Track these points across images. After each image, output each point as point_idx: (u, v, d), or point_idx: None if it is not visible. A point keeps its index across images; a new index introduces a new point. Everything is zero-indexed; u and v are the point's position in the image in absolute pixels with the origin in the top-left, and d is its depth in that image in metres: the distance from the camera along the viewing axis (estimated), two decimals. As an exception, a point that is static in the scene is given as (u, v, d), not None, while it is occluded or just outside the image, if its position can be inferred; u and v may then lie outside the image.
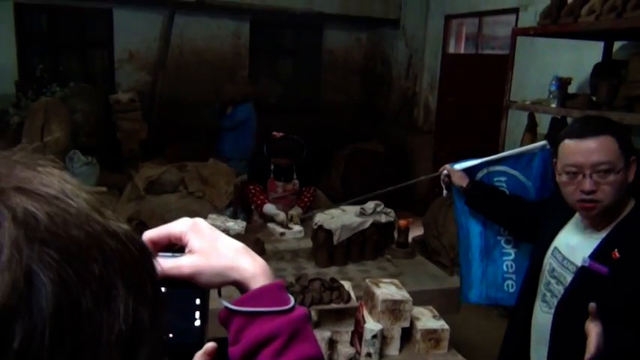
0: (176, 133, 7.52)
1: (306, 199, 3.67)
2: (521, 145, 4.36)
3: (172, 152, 7.07)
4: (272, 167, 3.63)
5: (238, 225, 3.38)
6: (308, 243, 3.15)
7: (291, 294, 2.10)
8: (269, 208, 3.59)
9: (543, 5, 4.68)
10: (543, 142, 2.22)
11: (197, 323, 0.62)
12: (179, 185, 4.43)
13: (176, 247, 0.63)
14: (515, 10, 5.24)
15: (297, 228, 3.39)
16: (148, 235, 0.62)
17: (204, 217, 4.43)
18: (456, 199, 2.27)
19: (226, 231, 3.30)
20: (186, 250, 0.63)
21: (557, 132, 4.23)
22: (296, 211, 3.53)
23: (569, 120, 4.27)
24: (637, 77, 3.22)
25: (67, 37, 7.81)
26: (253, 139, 6.38)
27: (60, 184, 0.38)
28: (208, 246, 0.62)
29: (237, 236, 3.18)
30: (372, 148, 7.09)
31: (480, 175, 2.24)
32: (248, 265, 0.63)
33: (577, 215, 1.72)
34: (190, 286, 0.61)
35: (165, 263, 0.59)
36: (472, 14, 5.97)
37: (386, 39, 8.07)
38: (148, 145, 7.18)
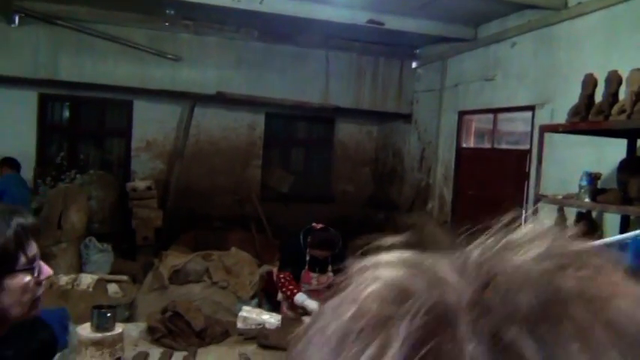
0: (190, 221, 7.52)
1: None
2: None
3: (186, 240, 7.04)
4: (307, 258, 3.58)
5: (274, 318, 3.29)
6: (348, 338, 3.04)
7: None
8: (301, 297, 3.49)
9: (559, 103, 4.88)
10: (638, 232, 2.17)
11: None
12: (203, 275, 4.36)
13: None
14: (531, 108, 5.44)
15: (335, 321, 3.29)
16: None
17: (229, 307, 4.33)
18: None
19: (262, 324, 3.21)
20: None
21: (585, 226, 4.26)
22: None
23: (594, 214, 4.31)
24: (669, 174, 3.29)
25: (87, 126, 8.02)
26: None
27: None
28: None
29: (278, 329, 3.08)
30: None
31: None
32: None
33: None
34: None
35: None
36: (487, 110, 6.19)
37: (398, 132, 8.30)
38: (162, 233, 7.14)
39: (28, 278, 1.12)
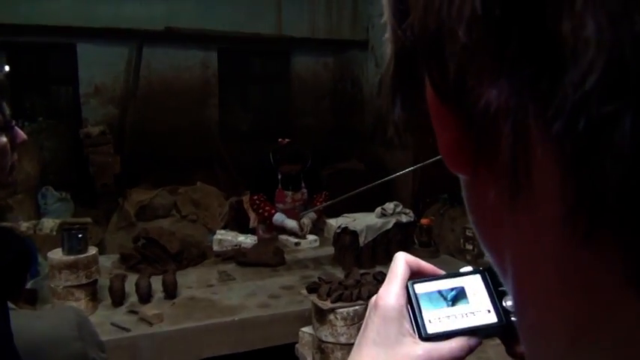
0: (148, 165, 7.31)
1: (318, 204, 3.54)
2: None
3: (147, 184, 6.85)
4: (279, 177, 3.52)
5: (249, 239, 3.25)
6: (327, 251, 3.05)
7: (345, 288, 1.95)
8: (280, 217, 3.43)
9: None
10: None
11: None
12: (171, 209, 4.25)
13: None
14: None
15: (311, 237, 3.28)
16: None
17: (201, 240, 4.26)
18: None
19: (239, 245, 3.17)
20: None
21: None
22: (310, 217, 3.41)
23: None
24: None
25: (29, 74, 7.56)
26: None
27: None
28: None
29: (255, 247, 3.05)
30: (352, 166, 7.08)
31: None
32: None
33: None
34: None
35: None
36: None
37: (355, 61, 8.17)
38: (122, 178, 6.93)
39: (5, 139, 1.02)
